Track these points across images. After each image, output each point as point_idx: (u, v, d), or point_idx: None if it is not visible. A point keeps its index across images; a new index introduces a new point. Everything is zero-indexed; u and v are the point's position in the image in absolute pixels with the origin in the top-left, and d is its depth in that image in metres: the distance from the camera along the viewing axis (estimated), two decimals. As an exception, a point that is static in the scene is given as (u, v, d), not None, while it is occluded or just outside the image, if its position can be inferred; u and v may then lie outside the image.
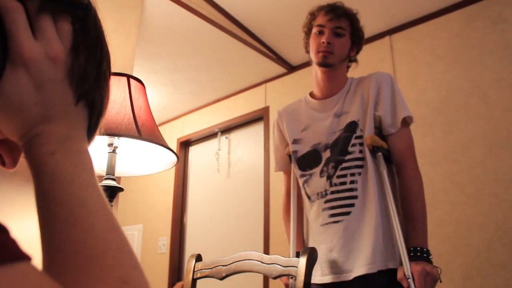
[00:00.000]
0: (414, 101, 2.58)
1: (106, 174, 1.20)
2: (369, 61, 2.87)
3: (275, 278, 1.13)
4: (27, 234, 1.33)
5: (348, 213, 1.37)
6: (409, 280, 1.24)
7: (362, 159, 1.39)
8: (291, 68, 3.35)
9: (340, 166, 1.40)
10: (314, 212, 1.46)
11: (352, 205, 1.37)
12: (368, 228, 1.34)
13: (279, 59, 3.23)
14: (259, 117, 3.53)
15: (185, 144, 4.12)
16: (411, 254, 1.28)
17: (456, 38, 2.53)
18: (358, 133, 1.41)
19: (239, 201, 3.51)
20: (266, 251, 3.04)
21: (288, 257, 1.18)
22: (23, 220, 1.33)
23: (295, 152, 1.54)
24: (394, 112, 1.41)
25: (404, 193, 1.37)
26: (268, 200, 3.19)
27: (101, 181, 1.19)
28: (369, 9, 2.65)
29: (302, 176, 1.51)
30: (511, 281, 2.03)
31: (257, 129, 3.57)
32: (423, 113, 2.53)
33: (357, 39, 1.53)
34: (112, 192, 1.19)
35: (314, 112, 1.54)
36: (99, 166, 1.34)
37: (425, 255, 1.28)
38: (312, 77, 1.58)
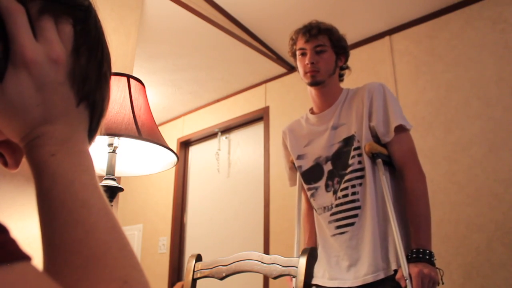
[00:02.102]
0: (414, 101, 2.58)
1: (106, 174, 1.20)
2: (369, 61, 2.87)
3: (275, 278, 1.12)
4: (27, 234, 1.33)
5: (352, 224, 1.41)
6: (406, 280, 1.26)
7: (362, 169, 1.43)
8: (291, 68, 3.35)
9: (343, 180, 1.45)
10: (322, 223, 1.52)
11: (355, 215, 1.41)
12: (368, 236, 1.38)
13: (279, 59, 3.23)
14: (259, 117, 3.53)
15: (185, 144, 4.12)
16: (413, 255, 1.29)
17: (456, 38, 2.53)
18: (355, 144, 1.45)
19: (239, 201, 3.51)
20: (266, 251, 3.04)
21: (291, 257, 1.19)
22: (23, 220, 1.33)
23: (300, 167, 1.61)
24: (386, 121, 1.44)
25: (408, 196, 1.39)
26: (268, 200, 3.19)
27: (101, 181, 1.19)
28: (369, 9, 2.65)
29: (308, 189, 1.58)
30: (511, 281, 2.03)
31: (257, 129, 3.57)
32: (423, 113, 2.53)
33: (341, 49, 1.59)
34: (112, 192, 1.19)
35: (313, 127, 1.61)
36: (99, 166, 1.34)
37: (427, 256, 1.28)
38: (308, 95, 1.65)
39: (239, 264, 1.18)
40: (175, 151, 1.36)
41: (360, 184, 1.42)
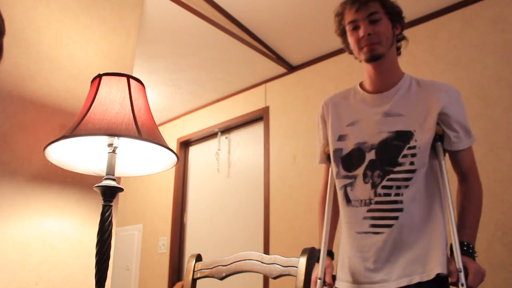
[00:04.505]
0: (414, 101, 2.58)
1: (106, 174, 1.20)
2: (369, 61, 2.87)
3: (275, 278, 1.13)
4: (27, 234, 1.33)
5: (390, 226, 1.30)
6: (460, 273, 1.22)
7: (413, 171, 1.31)
8: (291, 68, 3.35)
9: (388, 177, 1.33)
10: (351, 217, 1.38)
11: (396, 217, 1.30)
12: (408, 239, 1.29)
13: (279, 59, 3.23)
14: (259, 117, 3.53)
15: (185, 144, 4.12)
16: (464, 248, 1.28)
17: (456, 38, 2.53)
18: (411, 143, 1.32)
19: (239, 201, 3.51)
20: (266, 251, 3.04)
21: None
22: (23, 220, 1.33)
23: (339, 150, 1.43)
24: (461, 136, 1.38)
25: (467, 200, 1.38)
26: (268, 200, 3.19)
27: (101, 181, 1.19)
28: (369, 9, 2.65)
29: (346, 177, 1.41)
30: (511, 281, 2.03)
31: (257, 129, 3.57)
32: (423, 113, 2.52)
33: (396, 15, 1.40)
34: (112, 192, 1.19)
35: (364, 106, 1.43)
36: (99, 166, 1.34)
37: (474, 254, 1.29)
38: (363, 72, 1.48)
39: (239, 264, 1.18)
40: (175, 151, 1.36)
41: (406, 186, 1.31)
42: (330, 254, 1.48)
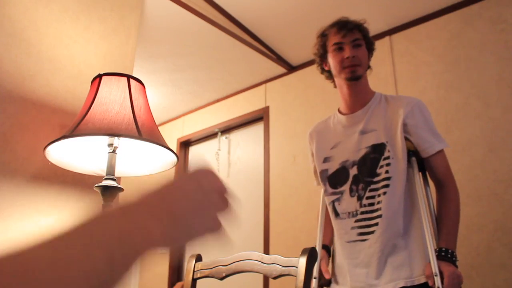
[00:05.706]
0: (414, 101, 2.58)
1: (106, 174, 1.20)
2: (369, 61, 2.87)
3: (275, 278, 1.12)
4: (27, 234, 1.33)
5: (372, 232, 1.42)
6: (436, 277, 1.28)
7: (388, 178, 1.42)
8: (291, 68, 3.35)
9: (369, 188, 1.44)
10: (341, 228, 1.50)
11: (376, 224, 1.41)
12: (390, 245, 1.39)
13: (279, 59, 3.23)
14: (259, 117, 3.53)
15: (185, 144, 4.12)
16: (442, 253, 1.33)
17: (456, 38, 2.53)
18: (386, 154, 1.44)
19: (239, 201, 3.51)
20: (266, 251, 3.04)
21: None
22: (23, 220, 1.33)
23: (325, 171, 1.57)
24: (431, 140, 1.45)
25: (444, 207, 1.44)
26: (268, 200, 3.19)
27: (101, 181, 1.19)
28: (369, 9, 2.65)
29: (333, 194, 1.54)
30: (511, 281, 2.03)
31: (257, 129, 3.57)
32: (423, 113, 2.53)
33: (371, 46, 1.57)
34: (112, 192, 1.19)
35: (342, 129, 1.57)
36: (99, 166, 1.34)
37: (453, 258, 1.34)
38: (338, 93, 1.61)
39: (239, 264, 1.18)
40: (175, 151, 1.36)
41: (384, 193, 1.41)
42: (325, 248, 1.61)
